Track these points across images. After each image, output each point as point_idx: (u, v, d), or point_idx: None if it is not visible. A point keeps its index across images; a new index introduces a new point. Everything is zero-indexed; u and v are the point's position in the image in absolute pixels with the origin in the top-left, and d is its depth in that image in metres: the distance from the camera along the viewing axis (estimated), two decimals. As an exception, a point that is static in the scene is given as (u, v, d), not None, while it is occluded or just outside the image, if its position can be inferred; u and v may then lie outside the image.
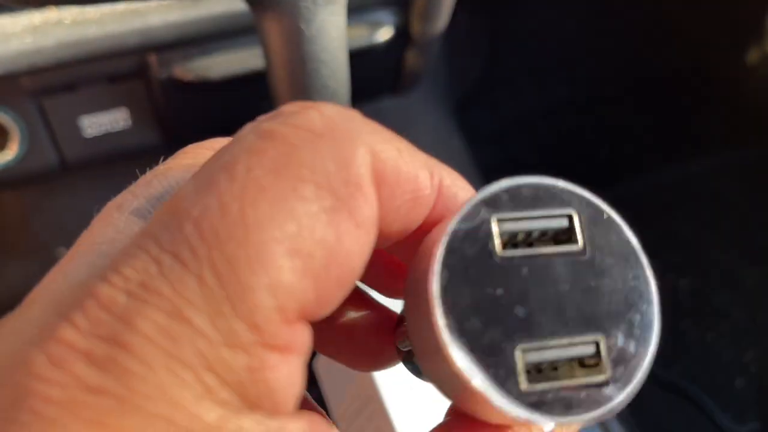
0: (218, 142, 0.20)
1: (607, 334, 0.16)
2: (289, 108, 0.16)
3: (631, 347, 0.16)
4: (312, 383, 0.50)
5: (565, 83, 1.07)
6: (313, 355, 0.50)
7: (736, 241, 1.02)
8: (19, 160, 0.52)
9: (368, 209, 0.15)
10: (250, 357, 0.13)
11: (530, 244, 0.16)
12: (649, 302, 0.17)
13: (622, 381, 0.16)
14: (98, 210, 0.17)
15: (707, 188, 1.07)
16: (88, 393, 0.12)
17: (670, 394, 0.88)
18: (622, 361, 0.16)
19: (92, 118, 0.54)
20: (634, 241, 0.17)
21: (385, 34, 0.57)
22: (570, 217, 0.16)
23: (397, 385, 0.38)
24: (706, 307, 0.96)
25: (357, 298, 0.22)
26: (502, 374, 0.15)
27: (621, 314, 0.16)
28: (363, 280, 0.22)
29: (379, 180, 0.16)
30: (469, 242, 0.16)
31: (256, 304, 0.13)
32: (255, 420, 0.13)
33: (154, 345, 0.12)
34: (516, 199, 0.16)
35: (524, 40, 1.03)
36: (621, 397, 0.16)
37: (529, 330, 0.15)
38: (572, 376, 0.15)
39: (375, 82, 0.65)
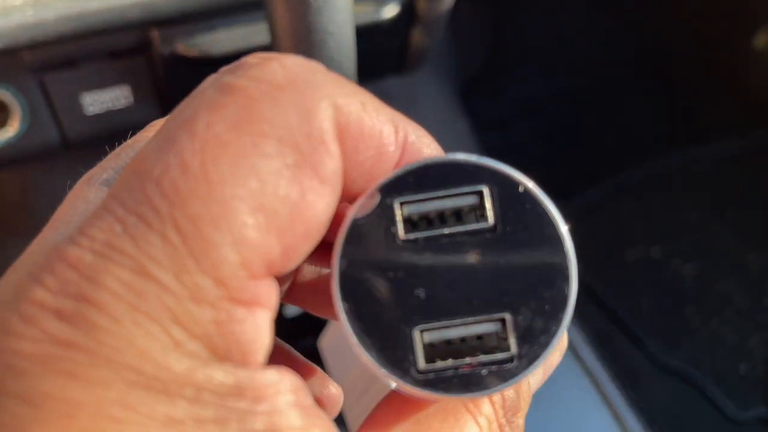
0: None
1: (515, 312, 0.16)
2: (250, 59, 0.16)
3: (540, 324, 0.16)
4: (316, 362, 0.49)
5: (570, 70, 1.06)
6: (318, 333, 0.50)
7: (740, 227, 1.01)
8: (20, 137, 0.52)
9: (332, 164, 0.15)
10: (216, 311, 0.13)
11: (441, 225, 0.16)
12: (565, 278, 0.16)
13: (527, 358, 0.16)
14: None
15: (712, 175, 1.06)
16: (58, 347, 0.13)
17: (674, 380, 0.88)
18: (530, 339, 0.16)
19: (94, 95, 0.53)
20: (553, 213, 0.16)
21: (390, 11, 0.57)
22: (480, 194, 0.16)
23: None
24: (711, 293, 0.96)
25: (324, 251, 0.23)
26: (399, 354, 0.15)
27: (532, 291, 0.16)
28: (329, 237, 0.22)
29: (343, 134, 0.15)
30: (372, 227, 0.16)
31: (220, 261, 0.13)
32: (224, 370, 0.14)
33: (120, 300, 0.13)
34: (423, 180, 0.16)
35: (529, 26, 1.03)
36: (525, 374, 0.16)
37: (430, 311, 0.15)
38: (474, 355, 0.16)
39: (380, 60, 0.64)
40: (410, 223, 0.16)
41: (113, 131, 0.55)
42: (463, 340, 0.16)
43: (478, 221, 0.16)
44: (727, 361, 0.90)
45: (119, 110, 0.54)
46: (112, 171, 0.18)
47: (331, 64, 0.38)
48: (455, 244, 0.16)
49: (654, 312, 0.95)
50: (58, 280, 0.13)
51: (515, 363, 0.16)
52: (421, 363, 0.15)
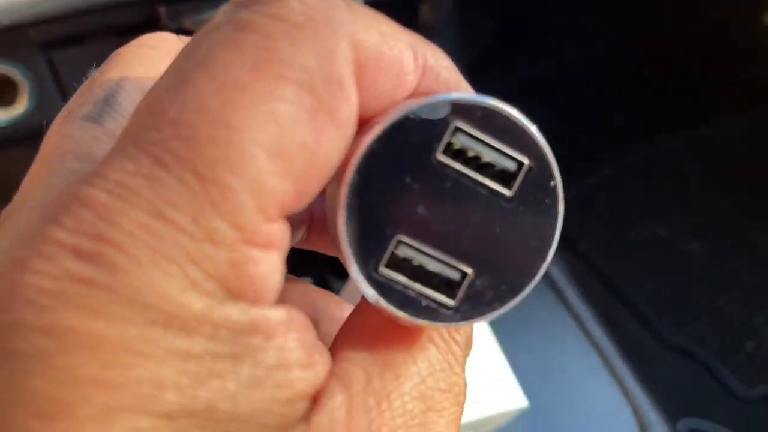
0: (150, 38, 0.21)
1: (478, 274, 0.17)
2: None
3: (489, 296, 0.17)
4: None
5: (578, 48, 1.05)
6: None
7: (748, 205, 1.01)
8: (29, 114, 0.52)
9: (349, 108, 0.15)
10: (232, 253, 0.14)
11: (471, 165, 0.17)
12: (532, 275, 0.17)
13: (461, 314, 0.17)
14: None
15: (720, 153, 1.06)
16: (79, 284, 0.13)
17: (680, 358, 0.88)
18: (474, 302, 0.17)
19: (101, 72, 0.53)
20: (559, 218, 0.17)
21: (398, -14, 0.56)
22: (520, 165, 0.17)
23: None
24: (718, 271, 0.96)
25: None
26: (371, 248, 0.16)
27: (501, 267, 0.17)
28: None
29: (361, 71, 0.15)
30: (418, 130, 0.16)
31: (238, 205, 0.14)
32: (239, 309, 0.14)
33: (138, 241, 0.13)
34: (487, 121, 0.16)
35: (537, 4, 1.02)
36: (450, 325, 0.17)
37: (418, 230, 0.16)
38: (426, 286, 0.17)
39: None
40: (450, 149, 0.16)
41: (121, 108, 0.54)
42: (426, 269, 0.17)
43: (502, 185, 0.17)
44: (733, 339, 0.90)
45: (127, 87, 0.54)
46: (90, 105, 0.18)
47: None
48: (473, 190, 0.16)
49: (660, 290, 0.95)
50: (74, 220, 0.13)
51: (450, 312, 0.17)
52: (382, 266, 0.16)
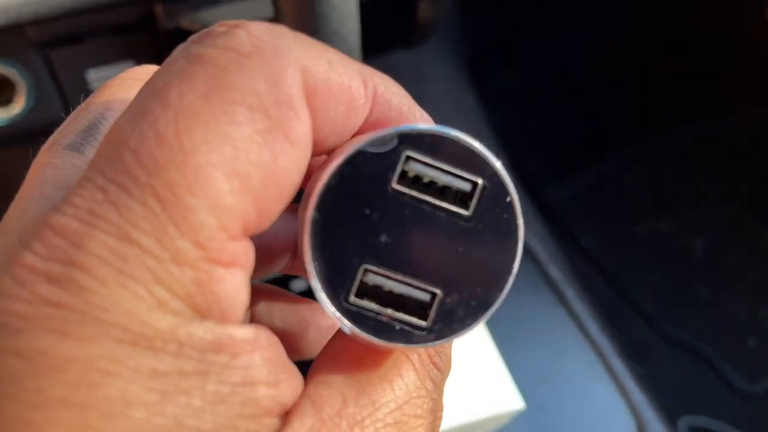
0: (136, 71, 0.21)
1: (447, 293, 0.17)
2: (217, 28, 0.16)
3: (460, 314, 0.17)
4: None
5: (581, 42, 1.05)
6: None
7: (752, 200, 1.01)
8: (27, 113, 0.52)
9: (301, 127, 0.16)
10: (196, 271, 0.14)
11: (427, 191, 0.17)
12: (500, 289, 0.18)
13: (435, 334, 0.17)
14: None
15: (723, 147, 1.05)
16: (50, 307, 0.13)
17: (682, 353, 0.88)
18: (446, 320, 0.17)
19: (99, 71, 0.53)
20: (520, 232, 0.18)
21: (396, -17, 0.56)
22: (474, 185, 0.17)
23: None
24: (720, 267, 0.96)
25: None
26: (339, 280, 0.17)
27: (469, 284, 0.17)
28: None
29: (311, 95, 0.16)
30: (372, 163, 0.17)
31: (199, 224, 0.14)
32: (205, 327, 0.14)
33: (105, 263, 0.14)
34: (436, 147, 0.17)
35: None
36: (426, 345, 0.17)
37: (382, 257, 0.17)
38: (398, 310, 0.17)
39: (386, 34, 0.63)
40: (405, 177, 0.17)
41: (119, 107, 0.54)
42: (395, 294, 0.17)
43: (460, 206, 0.17)
44: (736, 335, 0.90)
45: (125, 86, 0.54)
46: (73, 135, 0.19)
47: (334, 37, 0.38)
48: (432, 214, 0.17)
49: (663, 286, 0.94)
50: (46, 246, 0.14)
51: (424, 333, 0.17)
52: (352, 295, 0.17)
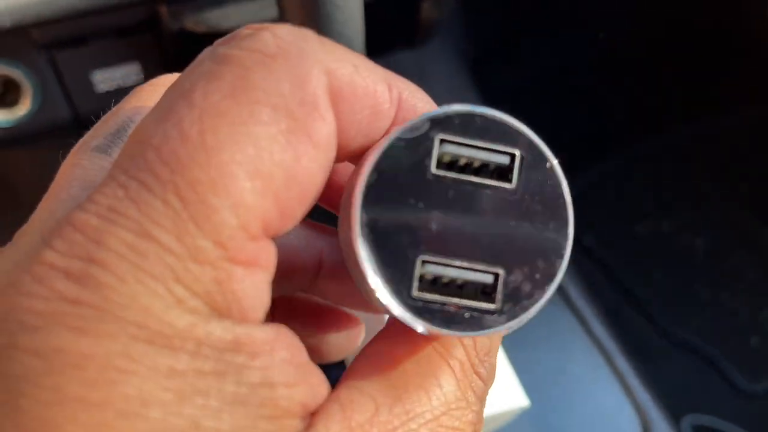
0: (167, 78, 0.21)
1: (509, 271, 0.17)
2: (243, 31, 0.16)
3: (527, 289, 0.17)
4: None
5: (583, 41, 1.05)
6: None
7: (752, 200, 1.01)
8: (32, 115, 0.52)
9: (325, 128, 0.16)
10: (216, 270, 0.14)
11: (467, 171, 0.17)
12: (560, 256, 0.17)
13: (507, 315, 0.17)
14: None
15: (724, 146, 1.05)
16: (68, 304, 0.13)
17: (685, 353, 0.88)
18: (514, 299, 0.17)
19: (104, 72, 0.53)
20: (567, 195, 0.17)
21: (400, -17, 0.56)
22: (513, 157, 0.17)
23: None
24: (723, 266, 0.96)
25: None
26: (398, 276, 0.16)
27: (529, 257, 0.17)
28: (331, 200, 0.23)
29: (336, 97, 0.16)
30: (408, 153, 0.16)
31: (220, 223, 0.14)
32: (223, 326, 0.14)
33: (124, 260, 0.14)
34: (467, 126, 0.17)
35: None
36: (500, 328, 0.17)
37: (437, 245, 0.16)
38: (464, 297, 0.17)
39: (390, 34, 0.63)
40: (442, 162, 0.17)
41: (124, 108, 0.55)
42: (456, 281, 0.17)
43: (502, 180, 0.17)
44: (738, 335, 0.90)
45: (129, 87, 0.54)
46: (102, 137, 0.19)
47: (339, 38, 0.38)
48: (477, 193, 0.17)
49: (665, 285, 0.95)
50: (66, 243, 0.14)
51: (495, 316, 0.17)
52: (415, 290, 0.16)
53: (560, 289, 0.64)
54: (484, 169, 0.17)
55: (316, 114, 0.15)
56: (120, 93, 0.54)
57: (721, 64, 1.06)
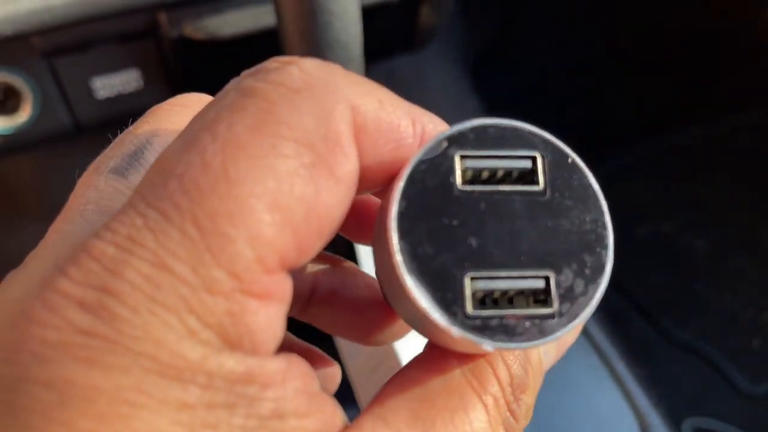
0: (184, 98, 0.21)
1: (558, 271, 0.17)
2: (269, 64, 0.16)
3: (580, 286, 0.17)
4: (328, 339, 0.50)
5: (584, 44, 1.05)
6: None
7: (754, 201, 1.00)
8: (33, 122, 0.52)
9: (348, 164, 0.16)
10: (230, 302, 0.14)
11: (494, 182, 0.17)
12: (604, 246, 0.17)
13: (567, 316, 0.17)
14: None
15: (724, 148, 1.05)
16: (80, 335, 0.13)
17: (686, 355, 0.88)
18: (570, 298, 0.17)
19: (104, 79, 0.53)
20: (595, 186, 0.17)
21: (398, -11, 0.56)
22: (534, 159, 0.17)
23: (412, 342, 0.38)
24: (723, 268, 0.95)
25: (353, 275, 0.24)
26: (449, 298, 0.16)
27: (574, 254, 0.17)
28: (352, 232, 0.23)
29: (360, 133, 0.16)
30: (431, 175, 0.16)
31: (236, 255, 0.14)
32: (235, 358, 0.14)
33: (139, 291, 0.14)
34: (482, 139, 0.17)
35: (539, 2, 1.01)
36: (564, 330, 0.16)
37: (481, 260, 0.16)
38: (519, 306, 0.16)
39: (388, 39, 0.63)
40: (466, 177, 0.17)
41: (124, 115, 0.55)
42: (509, 292, 0.17)
43: (529, 184, 0.17)
44: (739, 336, 0.90)
45: (129, 94, 0.54)
46: (119, 158, 0.19)
47: (336, 44, 0.38)
48: (507, 201, 0.17)
49: (666, 287, 0.94)
50: (82, 272, 0.14)
51: (556, 320, 0.16)
52: (470, 308, 0.16)
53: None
54: (508, 177, 0.17)
55: (338, 150, 0.15)
56: (120, 99, 0.55)
57: (722, 66, 1.06)
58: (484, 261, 0.16)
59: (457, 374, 0.17)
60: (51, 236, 0.17)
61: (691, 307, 0.92)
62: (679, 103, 1.07)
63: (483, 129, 0.17)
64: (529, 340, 0.16)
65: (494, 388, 0.18)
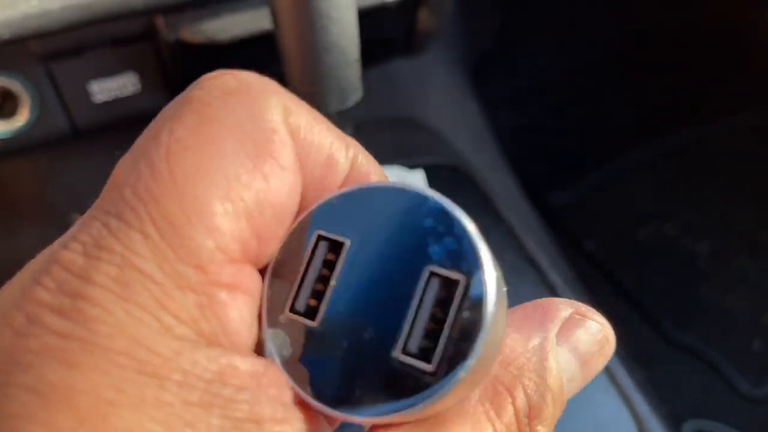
0: None
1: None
2: (207, 75, 0.17)
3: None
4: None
5: (583, 45, 1.05)
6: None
7: (755, 203, 1.00)
8: (30, 126, 0.52)
9: (288, 151, 0.17)
10: (198, 295, 0.15)
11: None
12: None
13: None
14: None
15: (727, 151, 1.05)
16: (58, 339, 0.14)
17: (686, 357, 0.87)
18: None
19: (101, 83, 0.53)
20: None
21: (396, -8, 0.56)
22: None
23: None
24: (725, 270, 0.95)
25: None
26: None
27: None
28: None
29: (294, 133, 0.17)
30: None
31: (196, 248, 0.15)
32: (208, 356, 0.15)
33: (110, 292, 0.14)
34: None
35: (539, 4, 1.01)
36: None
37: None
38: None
39: (386, 43, 0.63)
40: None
41: (121, 119, 0.55)
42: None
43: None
44: (741, 338, 0.90)
45: (127, 98, 0.54)
46: None
47: (333, 48, 0.38)
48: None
49: (667, 289, 0.94)
50: (54, 281, 0.15)
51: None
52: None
53: (557, 297, 0.63)
54: None
55: (276, 137, 0.16)
56: (118, 103, 0.55)
57: (722, 66, 1.05)
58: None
59: (473, 399, 0.17)
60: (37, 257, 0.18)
61: (691, 309, 0.92)
62: (680, 104, 1.07)
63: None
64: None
65: (509, 416, 0.17)
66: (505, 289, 0.16)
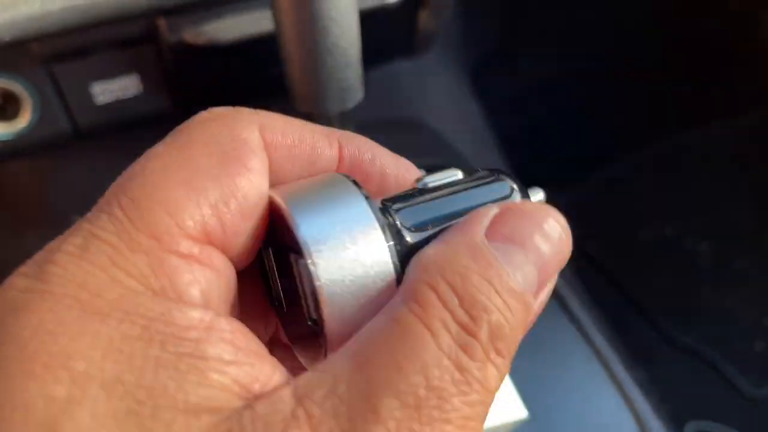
0: None
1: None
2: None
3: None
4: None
5: (584, 47, 1.05)
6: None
7: (757, 204, 1.00)
8: (32, 128, 0.52)
9: (257, 160, 0.19)
10: (150, 257, 0.17)
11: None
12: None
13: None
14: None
15: (728, 152, 1.05)
16: (20, 293, 0.16)
17: (687, 358, 0.87)
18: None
19: (103, 84, 0.53)
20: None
21: (397, -6, 0.56)
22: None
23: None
24: (726, 271, 0.95)
25: None
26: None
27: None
28: None
29: (272, 146, 0.19)
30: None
31: (154, 221, 0.17)
32: (153, 300, 0.16)
33: (70, 255, 0.16)
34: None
35: (541, 4, 1.01)
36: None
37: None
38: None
39: (388, 44, 0.63)
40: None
41: (123, 121, 0.55)
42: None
43: None
44: (742, 339, 0.90)
45: (129, 99, 0.55)
46: None
47: (335, 50, 0.38)
48: None
49: (668, 291, 0.94)
50: (33, 260, 0.17)
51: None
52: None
53: (560, 298, 0.63)
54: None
55: (246, 148, 0.18)
56: (120, 105, 0.55)
57: (723, 67, 1.05)
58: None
59: (397, 302, 0.16)
60: None
61: (692, 309, 0.92)
62: (680, 105, 1.07)
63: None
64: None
65: (435, 308, 0.16)
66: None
